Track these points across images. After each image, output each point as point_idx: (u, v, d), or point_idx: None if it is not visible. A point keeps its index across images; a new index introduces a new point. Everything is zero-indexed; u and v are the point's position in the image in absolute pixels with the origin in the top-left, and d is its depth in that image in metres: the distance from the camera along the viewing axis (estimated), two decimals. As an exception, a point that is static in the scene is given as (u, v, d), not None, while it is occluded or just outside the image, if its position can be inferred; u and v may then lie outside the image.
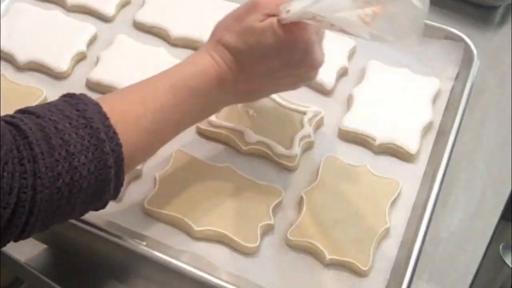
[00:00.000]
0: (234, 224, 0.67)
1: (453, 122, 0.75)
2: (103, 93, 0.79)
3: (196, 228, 0.67)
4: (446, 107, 0.79)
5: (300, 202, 0.70)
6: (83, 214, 0.57)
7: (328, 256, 0.66)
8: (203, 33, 0.83)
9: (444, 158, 0.72)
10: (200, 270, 0.64)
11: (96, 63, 0.81)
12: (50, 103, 0.56)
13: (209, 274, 0.64)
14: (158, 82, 0.62)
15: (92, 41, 0.84)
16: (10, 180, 0.48)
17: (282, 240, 0.68)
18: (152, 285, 0.67)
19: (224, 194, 0.70)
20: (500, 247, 0.95)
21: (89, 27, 0.85)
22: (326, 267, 0.66)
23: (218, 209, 0.68)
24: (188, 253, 0.66)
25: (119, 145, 0.55)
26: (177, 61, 0.81)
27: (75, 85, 0.80)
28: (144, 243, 0.66)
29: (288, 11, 0.60)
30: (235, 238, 0.66)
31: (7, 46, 0.82)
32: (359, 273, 0.66)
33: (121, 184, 0.57)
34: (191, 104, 0.62)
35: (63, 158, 0.51)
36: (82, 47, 0.82)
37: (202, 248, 0.67)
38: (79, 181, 0.52)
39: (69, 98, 0.57)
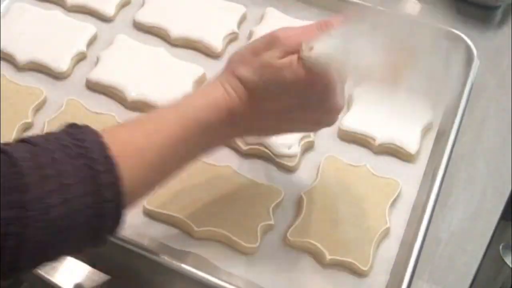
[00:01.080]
0: (234, 224, 0.67)
1: (453, 122, 0.75)
2: (103, 93, 0.79)
3: (196, 228, 0.67)
4: (446, 107, 0.78)
5: (300, 202, 0.70)
6: (80, 251, 0.54)
7: (328, 256, 0.66)
8: (203, 33, 0.83)
9: (444, 158, 0.72)
10: (200, 270, 0.64)
11: (96, 63, 0.81)
12: (50, 133, 0.53)
13: (209, 274, 0.64)
14: (166, 114, 0.59)
15: (92, 41, 0.84)
16: None
17: (282, 240, 0.68)
18: (152, 285, 0.67)
19: (224, 194, 0.70)
20: (500, 247, 0.95)
21: (89, 27, 0.85)
22: (326, 267, 0.66)
23: (218, 209, 0.68)
24: (188, 253, 0.66)
25: (117, 177, 0.51)
26: (177, 61, 0.81)
27: (75, 85, 0.80)
28: (144, 243, 0.66)
29: (311, 48, 0.57)
30: (235, 238, 0.66)
31: (7, 46, 0.82)
32: (359, 273, 0.66)
33: (121, 220, 0.53)
34: (198, 137, 0.59)
35: (56, 189, 0.48)
36: (82, 47, 0.82)
37: (202, 248, 0.67)
38: (73, 215, 0.49)
39: (69, 127, 0.54)
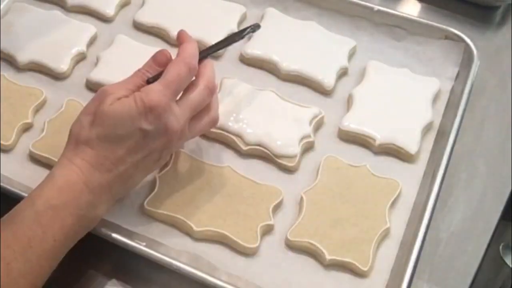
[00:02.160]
0: (234, 224, 0.67)
1: (453, 122, 0.75)
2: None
3: (196, 229, 0.67)
4: (446, 107, 0.78)
5: (300, 202, 0.70)
6: None
7: (328, 257, 0.66)
8: (203, 33, 0.83)
9: (444, 158, 0.72)
10: (200, 270, 0.64)
11: (96, 63, 0.81)
12: None
13: (209, 274, 0.64)
14: (21, 213, 0.58)
15: (92, 41, 0.84)
16: None
17: (282, 240, 0.68)
18: (152, 285, 0.67)
19: (224, 195, 0.70)
20: (500, 247, 0.95)
21: (89, 27, 0.85)
22: (326, 267, 0.66)
23: (218, 209, 0.68)
24: (188, 253, 0.66)
25: None
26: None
27: (75, 86, 0.80)
28: (144, 244, 0.66)
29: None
30: (235, 239, 0.66)
31: (7, 46, 0.82)
32: (359, 274, 0.66)
33: None
34: (60, 224, 0.58)
35: None
36: (82, 47, 0.82)
37: (202, 248, 0.67)
38: None
39: None
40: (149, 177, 0.71)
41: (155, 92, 0.61)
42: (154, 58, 0.67)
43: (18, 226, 0.57)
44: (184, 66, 0.64)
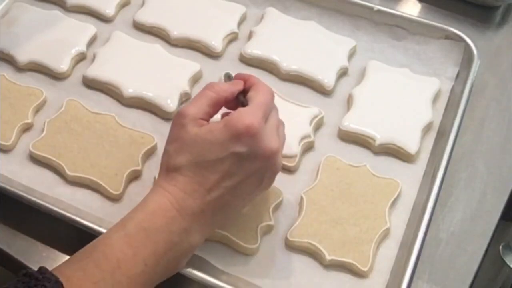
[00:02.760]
0: (234, 225, 0.67)
1: (453, 122, 0.75)
2: (100, 90, 0.79)
3: (196, 229, 0.67)
4: (446, 107, 0.78)
5: (300, 203, 0.70)
6: None
7: (328, 257, 0.66)
8: (203, 33, 0.83)
9: (444, 158, 0.72)
10: (200, 271, 0.64)
11: (93, 60, 0.81)
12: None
13: (209, 274, 0.64)
14: (112, 235, 0.58)
15: (92, 41, 0.84)
16: None
17: (282, 240, 0.68)
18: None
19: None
20: (500, 247, 0.95)
21: (89, 27, 0.85)
22: (326, 267, 0.66)
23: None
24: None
25: None
26: (173, 57, 0.81)
27: (75, 86, 0.80)
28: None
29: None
30: (235, 239, 0.66)
31: (7, 46, 0.82)
32: (359, 274, 0.66)
33: None
34: (151, 248, 0.57)
35: None
36: (82, 48, 0.82)
37: (202, 249, 0.66)
38: None
39: (24, 276, 0.53)
40: (149, 177, 0.71)
41: (248, 114, 0.59)
42: (228, 77, 0.67)
43: (108, 247, 0.57)
44: (269, 92, 0.64)
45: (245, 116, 0.59)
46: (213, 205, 0.60)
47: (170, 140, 0.62)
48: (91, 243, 0.58)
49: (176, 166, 0.60)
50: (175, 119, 0.62)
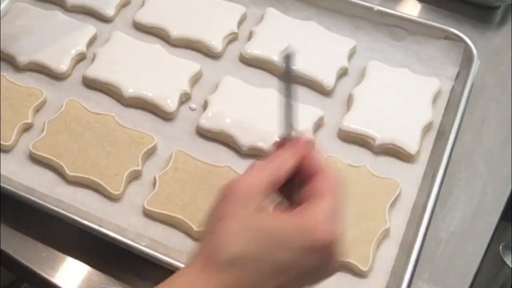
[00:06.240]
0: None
1: (453, 122, 0.75)
2: (100, 90, 0.79)
3: (196, 229, 0.67)
4: (446, 107, 0.78)
5: (300, 203, 0.70)
6: None
7: (328, 257, 0.65)
8: (203, 33, 0.83)
9: (444, 158, 0.72)
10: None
11: (93, 59, 0.81)
12: None
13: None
14: None
15: (92, 42, 0.84)
16: None
17: (282, 240, 0.68)
18: (152, 285, 0.67)
19: (224, 195, 0.69)
20: (500, 247, 0.95)
21: (89, 27, 0.85)
22: (326, 267, 0.66)
23: (218, 209, 0.68)
24: (188, 253, 0.66)
25: None
26: (173, 57, 0.81)
27: (75, 86, 0.80)
28: (144, 244, 0.66)
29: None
30: (235, 239, 0.66)
31: (7, 46, 0.82)
32: (359, 274, 0.66)
33: None
34: None
35: None
36: (82, 48, 0.82)
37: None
38: None
39: None
40: (149, 177, 0.71)
41: (329, 224, 0.49)
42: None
43: None
44: (341, 186, 0.52)
45: (327, 226, 0.48)
46: None
47: (216, 216, 0.48)
48: None
49: (229, 258, 0.45)
50: (226, 193, 0.48)
